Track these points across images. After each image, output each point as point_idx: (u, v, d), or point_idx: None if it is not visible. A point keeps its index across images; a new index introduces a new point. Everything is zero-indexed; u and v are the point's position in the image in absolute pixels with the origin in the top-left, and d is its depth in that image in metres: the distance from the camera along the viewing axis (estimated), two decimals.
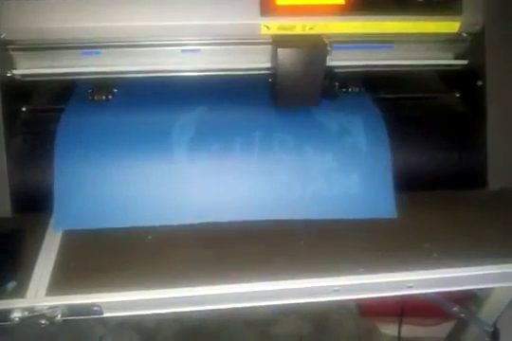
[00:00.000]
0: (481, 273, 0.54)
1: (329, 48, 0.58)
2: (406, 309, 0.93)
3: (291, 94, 0.59)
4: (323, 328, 1.11)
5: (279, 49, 0.55)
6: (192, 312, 0.53)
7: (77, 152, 0.56)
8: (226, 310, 0.53)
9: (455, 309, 0.68)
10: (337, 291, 0.53)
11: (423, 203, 0.61)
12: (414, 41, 0.62)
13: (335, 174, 0.58)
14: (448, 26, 0.59)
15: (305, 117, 0.61)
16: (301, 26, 0.57)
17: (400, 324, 0.98)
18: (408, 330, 1.02)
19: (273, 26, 0.57)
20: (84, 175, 0.56)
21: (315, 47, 0.56)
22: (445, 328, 0.95)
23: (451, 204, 0.61)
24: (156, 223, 0.56)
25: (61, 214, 0.55)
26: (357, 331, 1.12)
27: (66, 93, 0.64)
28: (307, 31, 0.58)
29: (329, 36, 0.58)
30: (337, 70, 0.63)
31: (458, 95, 0.67)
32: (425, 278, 0.53)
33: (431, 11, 0.58)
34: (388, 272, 0.53)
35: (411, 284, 0.54)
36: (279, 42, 0.56)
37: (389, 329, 1.09)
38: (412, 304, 0.91)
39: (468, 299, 0.68)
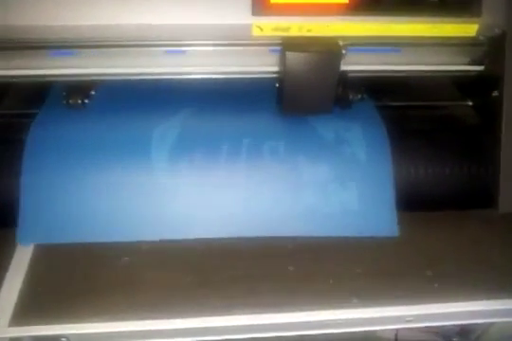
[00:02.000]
0: (490, 308, 0.49)
1: (344, 52, 0.52)
2: None
3: (301, 101, 0.54)
4: None
5: (287, 53, 0.49)
6: None
7: (45, 164, 0.51)
8: None
9: (455, 339, 0.64)
10: (326, 325, 0.48)
11: (426, 224, 0.56)
12: (426, 44, 0.55)
13: (330, 186, 0.53)
14: (466, 29, 0.52)
15: (299, 125, 0.56)
16: (297, 27, 0.51)
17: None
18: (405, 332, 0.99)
19: (266, 26, 0.51)
20: (52, 188, 0.51)
21: (329, 51, 0.50)
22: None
23: (458, 226, 0.56)
24: (128, 238, 0.51)
25: (25, 228, 0.51)
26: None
27: (42, 96, 0.58)
28: (305, 33, 0.51)
29: (344, 38, 0.52)
30: (351, 75, 0.57)
31: (470, 104, 0.61)
32: (425, 313, 0.49)
33: (447, 13, 0.51)
34: (384, 305, 0.48)
35: (410, 318, 0.49)
36: (288, 44, 0.50)
37: (386, 331, 1.06)
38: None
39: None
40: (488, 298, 0.49)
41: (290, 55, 0.50)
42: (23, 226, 0.50)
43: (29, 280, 0.49)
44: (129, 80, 0.55)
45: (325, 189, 0.52)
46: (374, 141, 0.54)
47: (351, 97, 0.58)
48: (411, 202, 0.55)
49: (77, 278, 0.50)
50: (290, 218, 0.52)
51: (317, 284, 0.50)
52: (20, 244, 0.51)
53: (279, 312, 0.48)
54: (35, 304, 0.47)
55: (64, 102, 0.56)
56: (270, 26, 0.51)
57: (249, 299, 0.48)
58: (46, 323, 0.46)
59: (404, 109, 0.61)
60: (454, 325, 0.52)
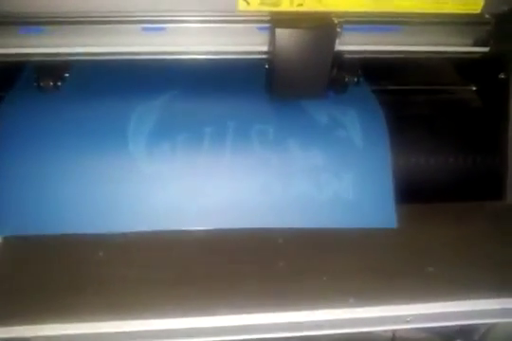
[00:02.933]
0: (491, 307, 0.45)
1: (339, 30, 0.47)
2: None
3: (292, 83, 0.49)
4: None
5: (277, 30, 0.45)
6: None
7: (14, 151, 0.47)
8: None
9: None
10: (320, 326, 0.44)
11: (428, 216, 0.51)
12: (427, 23, 0.51)
13: (324, 174, 0.48)
14: (470, 5, 0.48)
15: (290, 108, 0.51)
16: (287, 1, 0.47)
17: None
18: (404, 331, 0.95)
19: (253, 0, 0.46)
20: (21, 177, 0.46)
21: (323, 27, 0.46)
22: None
23: (462, 218, 0.52)
24: (102, 230, 0.47)
25: None
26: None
27: (12, 78, 0.54)
28: (295, 8, 0.47)
29: (339, 15, 0.47)
30: (347, 56, 0.52)
31: (474, 88, 0.57)
32: (426, 313, 0.45)
33: None
34: (382, 304, 0.44)
35: (409, 318, 0.45)
36: (277, 20, 0.46)
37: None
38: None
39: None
40: (492, 297, 0.45)
41: (280, 32, 0.46)
42: None
43: None
44: (105, 62, 0.51)
45: (318, 177, 0.48)
46: (371, 126, 0.50)
47: (346, 79, 0.53)
48: (412, 193, 0.51)
49: (45, 275, 0.45)
50: (280, 208, 0.47)
51: (309, 282, 0.46)
52: None
53: (267, 311, 0.43)
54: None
55: (36, 85, 0.51)
56: (257, 0, 0.46)
57: (235, 298, 0.44)
58: (8, 325, 0.42)
59: (403, 93, 0.57)
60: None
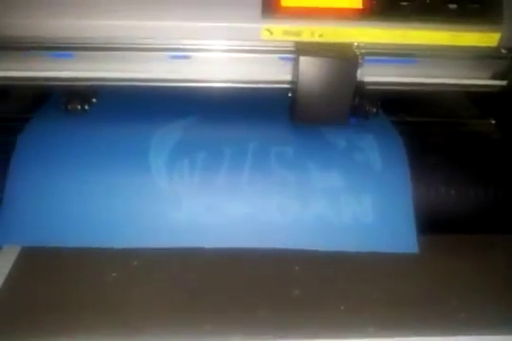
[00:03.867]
0: None
1: (360, 60, 0.49)
2: None
3: (315, 110, 0.51)
4: None
5: (301, 57, 0.47)
6: None
7: (33, 164, 0.48)
8: None
9: None
10: None
11: (449, 248, 0.50)
12: (445, 56, 0.52)
13: (343, 197, 0.48)
14: (486, 38, 0.50)
15: (310, 133, 0.52)
16: (309, 31, 0.49)
17: None
18: None
19: (276, 30, 0.48)
20: (38, 190, 0.47)
21: (345, 57, 0.48)
22: None
23: (484, 250, 0.50)
24: (119, 244, 0.46)
25: (4, 228, 0.46)
26: None
27: (40, 101, 0.56)
28: (317, 38, 0.49)
29: (358, 45, 0.49)
30: (368, 87, 0.53)
31: (493, 122, 0.57)
32: None
33: (466, 20, 0.49)
34: (403, 336, 0.42)
35: None
36: (302, 49, 0.48)
37: None
38: None
39: None
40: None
41: (304, 60, 0.47)
42: (1, 226, 0.46)
43: (4, 293, 0.44)
44: (131, 89, 0.53)
45: (337, 199, 0.47)
46: (389, 150, 0.50)
47: (368, 110, 0.54)
48: (433, 224, 0.50)
49: (58, 294, 0.45)
50: (298, 229, 0.47)
51: (326, 311, 0.44)
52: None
53: (280, 338, 0.41)
54: (8, 320, 0.42)
55: (63, 108, 0.53)
56: (280, 30, 0.48)
57: (248, 326, 0.42)
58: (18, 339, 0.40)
59: (422, 126, 0.57)
60: None
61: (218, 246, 0.46)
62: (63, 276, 0.46)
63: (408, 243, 0.47)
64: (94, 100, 0.55)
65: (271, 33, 0.48)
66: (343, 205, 0.47)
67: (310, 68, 0.47)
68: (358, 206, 0.47)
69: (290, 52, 0.50)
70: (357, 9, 0.48)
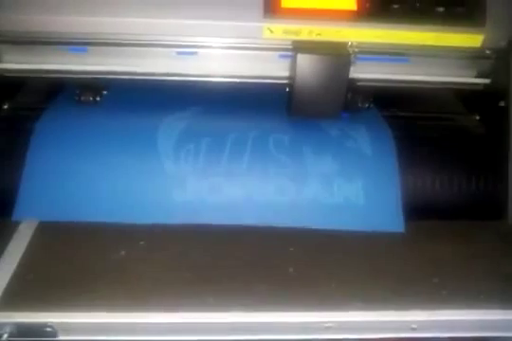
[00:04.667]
0: (497, 318, 0.46)
1: (353, 58, 0.53)
2: None
3: (310, 104, 0.55)
4: None
5: (299, 55, 0.51)
6: None
7: (50, 147, 0.52)
8: None
9: None
10: (328, 328, 0.46)
11: (434, 232, 0.54)
12: (433, 55, 0.57)
13: (335, 179, 0.52)
14: (470, 39, 0.54)
15: (305, 123, 0.56)
16: (307, 31, 0.53)
17: None
18: None
19: (277, 29, 0.52)
20: (56, 168, 0.51)
21: (339, 55, 0.52)
22: None
23: (466, 235, 0.54)
24: (129, 220, 0.50)
25: (23, 203, 0.50)
26: None
27: (55, 92, 0.60)
28: (314, 37, 0.53)
29: (353, 45, 0.54)
30: (359, 83, 0.58)
31: (478, 117, 0.61)
32: (431, 320, 0.46)
33: (452, 22, 0.53)
34: (389, 309, 0.46)
35: (414, 326, 0.46)
36: (299, 47, 0.52)
37: None
38: None
39: None
40: (502, 308, 0.46)
41: (301, 57, 0.51)
42: (21, 201, 0.50)
43: (22, 267, 0.48)
44: (140, 82, 0.57)
45: (330, 182, 0.51)
46: (379, 138, 0.54)
47: (360, 104, 0.58)
48: (419, 211, 0.54)
49: (71, 268, 0.48)
50: (293, 208, 0.51)
51: (318, 286, 0.48)
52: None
53: (276, 311, 0.45)
54: (25, 291, 0.46)
55: (76, 99, 0.57)
56: (281, 29, 0.52)
57: (247, 299, 0.46)
58: (33, 310, 0.44)
59: (411, 120, 0.61)
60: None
61: (220, 223, 0.50)
62: (76, 252, 0.50)
63: (395, 223, 0.51)
64: (105, 92, 0.59)
65: (272, 32, 0.53)
66: (336, 187, 0.51)
67: (306, 65, 0.51)
68: (350, 188, 0.51)
69: (288, 50, 0.54)
70: (352, 11, 0.52)
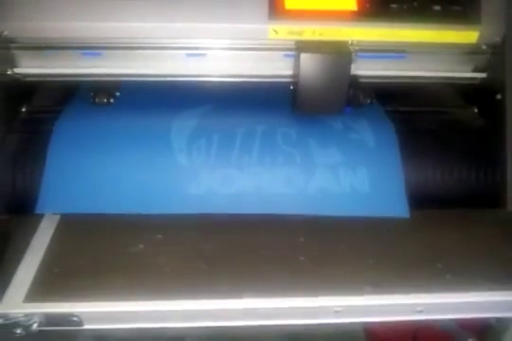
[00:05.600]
0: (499, 299, 0.49)
1: (354, 56, 0.55)
2: None
3: (314, 101, 0.57)
4: None
5: (302, 54, 0.53)
6: None
7: (72, 142, 0.55)
8: None
9: (470, 340, 0.62)
10: (338, 312, 0.48)
11: (437, 220, 0.56)
12: (431, 52, 0.59)
13: (341, 169, 0.55)
14: (467, 36, 0.56)
15: (311, 118, 0.59)
16: (310, 31, 0.55)
17: None
18: None
19: (282, 30, 0.55)
20: (77, 162, 0.54)
21: (340, 53, 0.55)
22: None
23: (467, 222, 0.57)
24: (147, 210, 0.53)
25: (46, 197, 0.53)
26: None
27: (69, 95, 0.63)
28: (317, 37, 0.55)
29: (353, 44, 0.56)
30: (362, 80, 0.60)
31: (476, 110, 0.64)
32: (436, 303, 0.48)
33: (449, 20, 0.55)
34: (395, 293, 0.48)
35: (420, 308, 0.49)
36: (302, 47, 0.55)
37: None
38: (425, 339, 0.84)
39: (486, 331, 0.62)
40: (502, 290, 0.49)
41: (304, 56, 0.54)
42: (44, 195, 0.53)
43: (47, 262, 0.50)
44: (153, 84, 0.59)
45: (336, 171, 0.54)
46: (381, 130, 0.57)
47: (361, 100, 0.61)
48: (423, 200, 0.56)
49: (93, 261, 0.51)
50: (302, 197, 0.54)
51: (328, 273, 0.50)
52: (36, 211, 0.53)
53: (287, 296, 0.47)
54: (50, 284, 0.48)
55: (91, 101, 0.60)
56: (285, 30, 0.55)
57: (257, 286, 0.49)
58: (59, 301, 0.46)
59: (412, 114, 0.64)
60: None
61: (231, 212, 0.53)
62: (97, 245, 0.52)
63: (400, 209, 0.53)
64: (117, 94, 0.62)
65: (277, 33, 0.55)
66: (342, 176, 0.54)
67: (309, 64, 0.54)
68: (355, 177, 0.54)
69: (292, 49, 0.56)
70: (353, 11, 0.55)
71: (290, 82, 0.59)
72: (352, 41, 0.56)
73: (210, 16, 0.54)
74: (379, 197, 0.54)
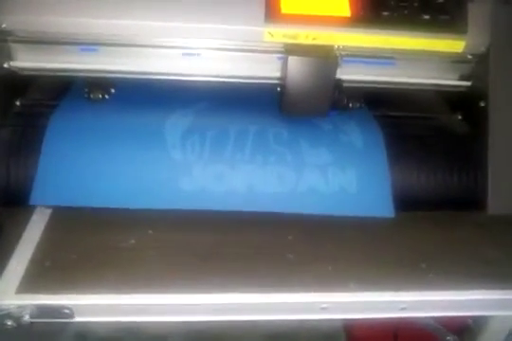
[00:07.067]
0: (478, 297, 0.51)
1: (340, 61, 0.57)
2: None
3: (300, 103, 0.58)
4: None
5: (290, 57, 0.55)
6: None
7: (68, 134, 0.56)
8: None
9: (449, 338, 0.64)
10: (324, 309, 0.50)
11: (421, 221, 0.59)
12: (419, 59, 0.61)
13: (330, 169, 0.56)
14: (453, 45, 0.59)
15: (301, 120, 0.61)
16: (304, 35, 0.57)
17: None
18: None
19: (277, 33, 0.56)
20: (70, 155, 0.54)
21: (326, 57, 0.56)
22: None
23: (450, 224, 0.59)
24: (139, 205, 0.54)
25: (40, 189, 0.53)
26: None
27: (65, 90, 0.63)
28: (310, 41, 0.57)
29: (340, 49, 0.58)
30: (346, 84, 0.61)
31: (460, 117, 0.66)
32: (419, 300, 0.50)
33: (437, 29, 0.57)
34: (380, 290, 0.50)
35: (404, 306, 0.51)
36: (290, 50, 0.56)
37: None
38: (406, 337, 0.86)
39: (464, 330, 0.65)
40: (486, 289, 0.51)
41: (292, 59, 0.55)
42: (38, 187, 0.53)
43: (39, 254, 0.51)
44: (147, 81, 0.60)
45: (325, 171, 0.56)
46: (368, 132, 0.60)
47: (350, 105, 0.63)
48: (407, 203, 0.58)
49: (85, 255, 0.52)
50: (292, 196, 0.55)
51: (315, 270, 0.52)
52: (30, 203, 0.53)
53: (275, 292, 0.49)
54: (42, 276, 0.49)
55: (86, 96, 0.60)
56: (280, 34, 0.56)
57: (248, 279, 0.50)
58: (50, 293, 0.47)
59: (398, 119, 0.66)
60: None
61: (223, 209, 0.54)
62: (89, 239, 0.53)
63: (385, 209, 0.55)
64: (113, 91, 0.62)
65: (272, 36, 0.57)
66: (331, 176, 0.56)
67: (296, 66, 0.56)
68: (344, 177, 0.56)
69: (281, 52, 0.58)
70: (346, 17, 0.57)
71: (278, 84, 0.60)
72: (338, 46, 0.57)
73: (208, 18, 0.55)
74: (366, 197, 0.56)
